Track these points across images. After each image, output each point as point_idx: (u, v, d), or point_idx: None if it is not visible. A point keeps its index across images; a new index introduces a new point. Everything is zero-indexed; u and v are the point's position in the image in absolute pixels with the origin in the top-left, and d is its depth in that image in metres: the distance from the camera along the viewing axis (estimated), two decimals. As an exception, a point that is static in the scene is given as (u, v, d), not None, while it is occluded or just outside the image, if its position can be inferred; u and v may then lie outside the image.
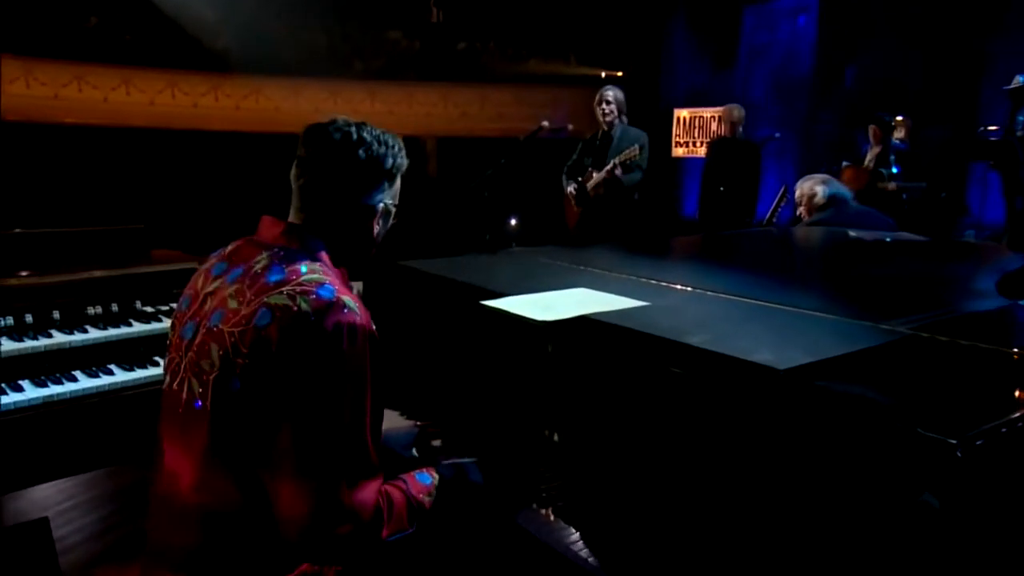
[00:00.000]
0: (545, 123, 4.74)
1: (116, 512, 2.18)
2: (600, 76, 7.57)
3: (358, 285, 2.32)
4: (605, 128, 5.08)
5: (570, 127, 5.47)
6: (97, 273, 2.67)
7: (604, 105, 5.02)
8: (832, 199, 3.34)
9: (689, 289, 1.91)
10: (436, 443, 1.74)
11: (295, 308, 1.28)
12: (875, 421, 1.15)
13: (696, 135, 7.70)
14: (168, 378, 1.41)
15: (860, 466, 1.14)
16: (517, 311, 1.65)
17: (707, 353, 1.33)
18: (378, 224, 1.48)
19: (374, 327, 1.34)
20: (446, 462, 1.54)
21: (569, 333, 1.57)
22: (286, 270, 1.34)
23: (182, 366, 1.37)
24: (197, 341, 1.35)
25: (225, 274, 1.41)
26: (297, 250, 1.39)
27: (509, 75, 7.54)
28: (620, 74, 7.73)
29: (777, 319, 1.64)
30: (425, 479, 1.47)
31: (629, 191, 4.97)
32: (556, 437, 1.61)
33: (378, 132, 1.45)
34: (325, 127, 1.44)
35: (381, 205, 1.47)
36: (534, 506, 1.47)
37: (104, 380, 2.51)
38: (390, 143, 1.46)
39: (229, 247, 1.47)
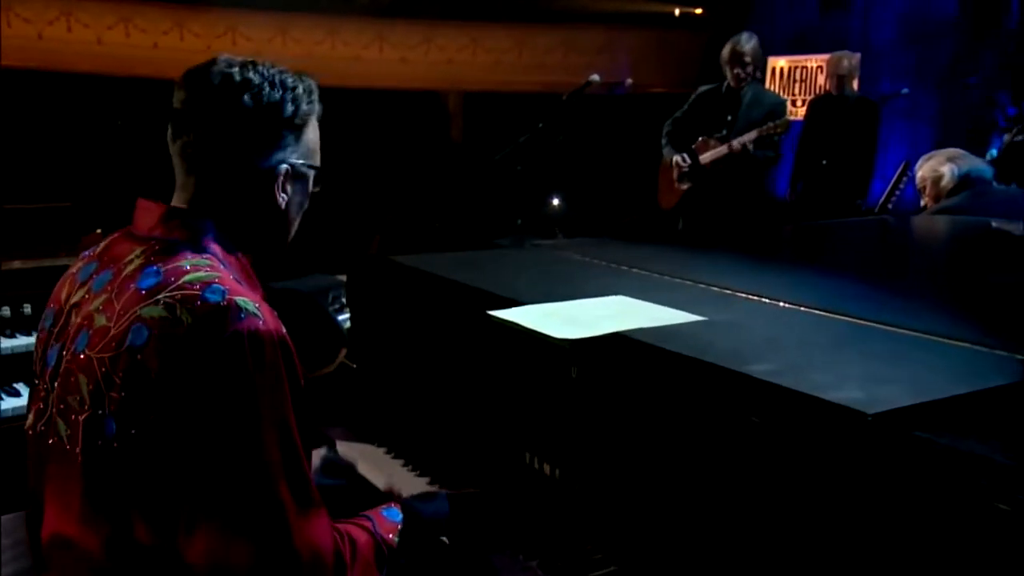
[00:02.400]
0: (595, 77, 4.70)
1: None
2: (673, 14, 7.49)
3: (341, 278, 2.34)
4: (732, 84, 4.99)
5: (629, 82, 5.43)
6: (15, 264, 2.70)
7: (738, 68, 4.88)
8: (965, 180, 3.27)
9: (766, 301, 1.89)
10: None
11: (175, 321, 1.27)
12: (993, 488, 1.11)
13: (798, 91, 7.59)
14: (32, 417, 1.41)
15: (969, 548, 1.11)
16: (531, 325, 1.65)
17: (773, 388, 1.31)
18: (283, 193, 1.46)
19: (283, 330, 1.33)
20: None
21: (598, 355, 1.57)
22: (163, 271, 1.32)
23: (49, 401, 1.38)
24: (62, 370, 1.35)
25: (91, 280, 1.40)
26: (179, 241, 1.37)
27: (554, 11, 7.48)
28: (699, 11, 7.64)
29: (878, 344, 1.62)
30: (394, 515, 1.49)
31: (757, 174, 4.90)
32: (558, 474, 1.62)
33: (274, 71, 1.42)
34: (204, 69, 1.42)
35: (284, 167, 1.45)
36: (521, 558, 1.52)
37: (7, 404, 2.49)
38: (289, 84, 1.43)
39: (103, 243, 1.47)
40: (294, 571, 1.28)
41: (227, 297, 1.29)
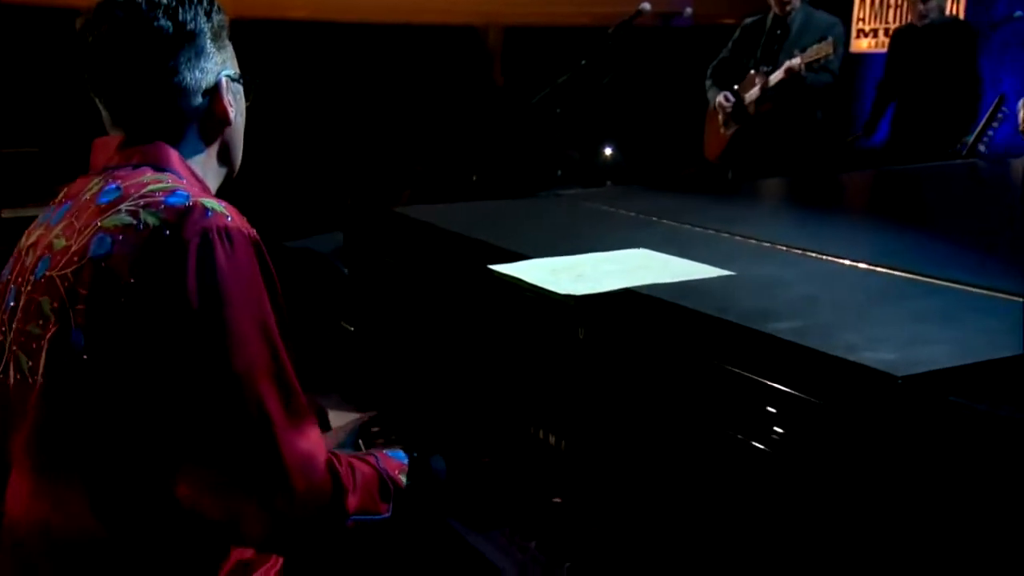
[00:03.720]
0: (645, 6, 4.65)
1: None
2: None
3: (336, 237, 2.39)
4: (777, 12, 4.91)
5: (689, 11, 5.36)
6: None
7: None
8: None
9: (812, 255, 1.89)
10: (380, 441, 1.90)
11: (140, 226, 1.34)
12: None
13: (890, 19, 7.43)
14: None
15: (1008, 519, 1.12)
16: (535, 280, 1.67)
17: (794, 349, 1.32)
18: (229, 106, 1.54)
19: (256, 233, 1.40)
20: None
21: (607, 314, 1.59)
22: (123, 186, 1.41)
23: (6, 346, 1.44)
24: (21, 304, 1.41)
25: (49, 218, 1.49)
26: (138, 164, 1.46)
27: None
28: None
29: (933, 302, 1.62)
30: (399, 455, 1.58)
31: (811, 106, 4.79)
32: (563, 445, 1.66)
33: None
34: (106, 5, 1.48)
35: (222, 78, 1.53)
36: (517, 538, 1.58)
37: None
38: None
39: (64, 188, 1.55)
40: (284, 487, 1.34)
41: (192, 199, 1.38)
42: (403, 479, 1.53)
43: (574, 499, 1.62)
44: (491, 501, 1.65)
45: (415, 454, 1.61)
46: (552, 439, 1.68)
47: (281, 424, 1.34)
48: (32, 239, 1.48)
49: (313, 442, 1.39)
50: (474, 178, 6.37)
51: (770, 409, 1.32)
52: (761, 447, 1.32)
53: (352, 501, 1.42)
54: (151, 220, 1.35)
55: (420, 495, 1.57)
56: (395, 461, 1.56)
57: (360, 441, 1.89)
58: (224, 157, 1.60)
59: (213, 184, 1.58)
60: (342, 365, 2.26)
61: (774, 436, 1.31)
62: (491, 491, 1.66)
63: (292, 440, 1.35)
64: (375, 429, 1.93)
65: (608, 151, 6.51)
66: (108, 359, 1.32)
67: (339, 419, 2.00)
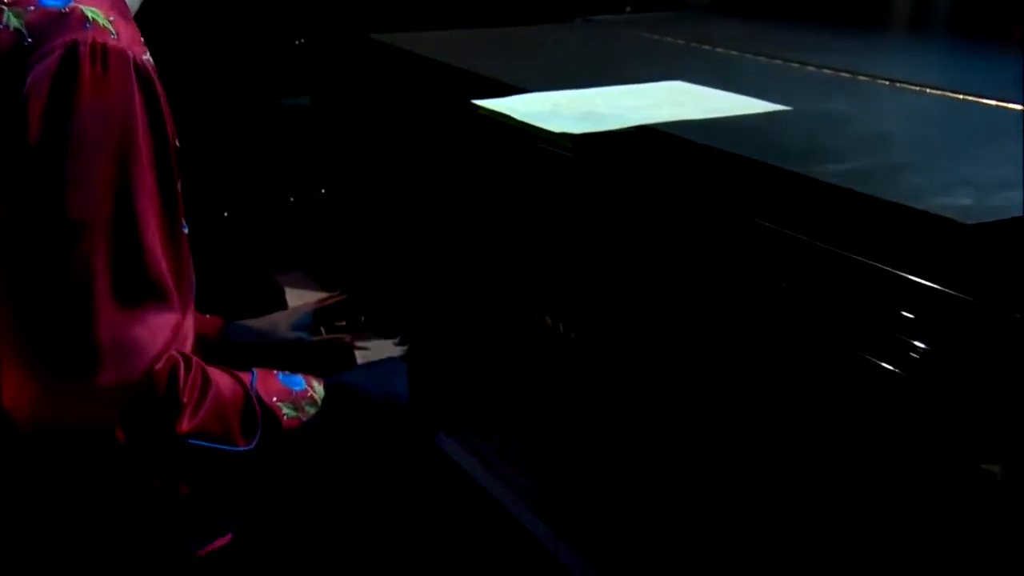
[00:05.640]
0: None
1: None
2: None
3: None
4: None
5: None
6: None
7: None
8: None
9: (899, 85, 1.84)
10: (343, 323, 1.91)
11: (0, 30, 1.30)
12: None
13: None
14: None
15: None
16: (527, 117, 1.61)
17: (842, 195, 1.27)
18: None
19: (151, 63, 1.35)
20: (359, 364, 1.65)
21: (617, 159, 1.55)
22: None
23: None
24: None
25: None
26: None
27: None
28: None
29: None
30: (293, 382, 1.52)
31: None
32: (562, 328, 1.63)
33: None
34: None
35: None
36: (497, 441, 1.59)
37: None
38: None
39: None
40: (85, 373, 1.28)
41: (73, 4, 1.32)
42: (292, 414, 1.48)
43: (578, 402, 1.58)
44: (463, 397, 1.64)
45: (334, 378, 1.59)
46: (549, 320, 1.64)
47: (104, 295, 1.29)
48: None
49: (150, 332, 1.33)
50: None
51: (810, 269, 1.25)
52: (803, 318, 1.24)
53: (186, 420, 1.35)
54: (14, 23, 1.30)
55: (341, 423, 1.54)
56: (280, 386, 1.50)
57: (322, 329, 1.87)
58: None
59: (134, 2, 1.49)
60: (308, 236, 2.24)
61: (811, 300, 1.24)
62: (464, 385, 1.66)
63: (115, 319, 1.30)
64: (341, 323, 1.92)
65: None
66: None
67: (302, 298, 1.99)
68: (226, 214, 2.55)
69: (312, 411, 1.51)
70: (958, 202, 1.23)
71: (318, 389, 1.54)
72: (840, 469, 1.14)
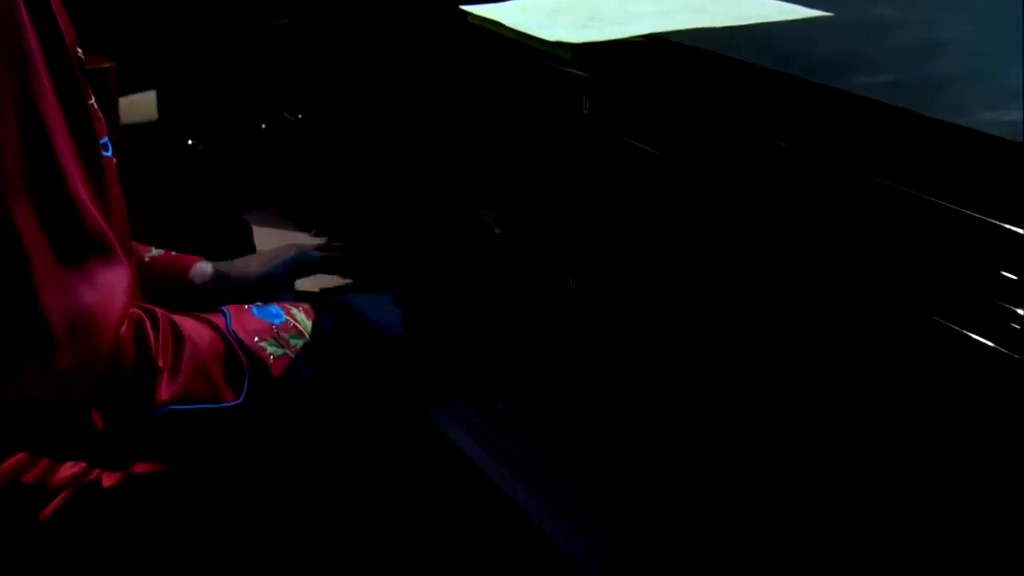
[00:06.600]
0: None
1: None
2: None
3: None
4: None
5: None
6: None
7: None
8: None
9: None
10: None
11: None
12: None
13: None
14: None
15: None
16: (519, 25, 1.60)
17: (875, 109, 1.23)
18: None
19: None
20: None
21: (626, 74, 1.54)
22: None
23: None
24: None
25: None
26: None
27: None
28: None
29: None
30: (272, 313, 1.50)
31: None
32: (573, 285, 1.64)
33: None
34: None
35: None
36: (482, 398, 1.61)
37: None
38: None
39: None
40: (40, 358, 1.24)
41: None
42: (277, 353, 1.45)
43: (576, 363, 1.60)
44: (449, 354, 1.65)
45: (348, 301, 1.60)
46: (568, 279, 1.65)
47: (42, 262, 1.25)
48: None
49: (102, 294, 1.28)
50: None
51: (830, 206, 1.24)
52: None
53: (166, 386, 1.32)
54: None
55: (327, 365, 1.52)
56: (257, 322, 1.47)
57: (296, 282, 1.85)
58: None
59: None
60: (282, 168, 2.22)
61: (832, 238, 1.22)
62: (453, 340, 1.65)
63: (62, 288, 1.25)
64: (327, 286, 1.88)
65: None
66: None
67: (274, 239, 1.96)
68: (189, 142, 2.54)
69: (298, 343, 1.48)
70: (1010, 116, 1.18)
71: (299, 317, 1.51)
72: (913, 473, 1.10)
